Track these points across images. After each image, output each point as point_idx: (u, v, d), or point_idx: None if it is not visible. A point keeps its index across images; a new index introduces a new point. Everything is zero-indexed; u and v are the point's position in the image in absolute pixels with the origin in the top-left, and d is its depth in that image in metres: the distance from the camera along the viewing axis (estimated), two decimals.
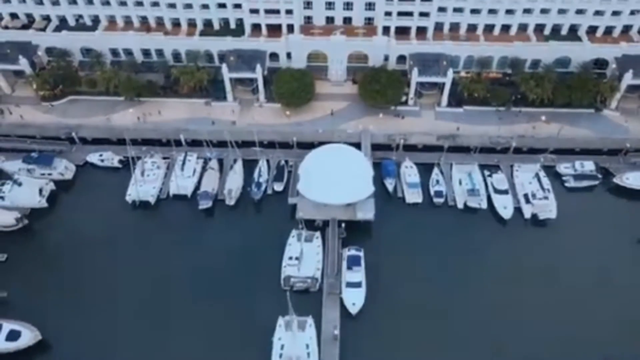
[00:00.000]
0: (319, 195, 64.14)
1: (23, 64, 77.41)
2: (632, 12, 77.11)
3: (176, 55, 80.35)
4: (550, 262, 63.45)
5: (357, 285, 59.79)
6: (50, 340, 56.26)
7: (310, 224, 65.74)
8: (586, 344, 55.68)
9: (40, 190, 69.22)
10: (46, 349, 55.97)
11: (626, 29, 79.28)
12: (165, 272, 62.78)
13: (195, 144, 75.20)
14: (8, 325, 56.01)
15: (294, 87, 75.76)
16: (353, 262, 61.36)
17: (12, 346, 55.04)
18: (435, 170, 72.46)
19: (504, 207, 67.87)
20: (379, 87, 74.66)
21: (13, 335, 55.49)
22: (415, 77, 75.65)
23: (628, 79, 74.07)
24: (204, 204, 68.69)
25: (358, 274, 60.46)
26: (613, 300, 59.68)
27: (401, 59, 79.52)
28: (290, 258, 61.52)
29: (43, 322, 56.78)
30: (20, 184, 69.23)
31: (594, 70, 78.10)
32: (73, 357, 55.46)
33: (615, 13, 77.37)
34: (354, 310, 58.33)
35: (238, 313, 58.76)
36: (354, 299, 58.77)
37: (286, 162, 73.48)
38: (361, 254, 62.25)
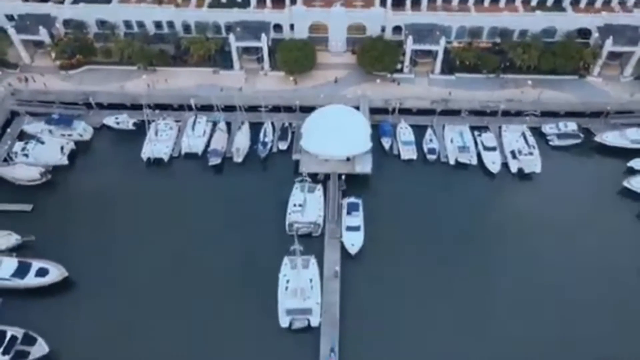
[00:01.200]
0: (321, 149, 69.62)
1: (43, 35, 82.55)
2: None
3: (186, 27, 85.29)
4: (535, 211, 68.83)
5: (356, 229, 65.13)
6: (75, 277, 61.39)
7: (312, 178, 71.04)
8: (569, 286, 60.92)
9: (62, 149, 74.42)
10: (71, 285, 61.21)
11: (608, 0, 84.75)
12: (179, 220, 67.90)
13: (204, 108, 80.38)
14: (37, 264, 61.21)
15: (296, 55, 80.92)
16: (352, 208, 66.79)
17: (41, 282, 60.26)
18: (429, 130, 77.73)
19: (492, 162, 73.25)
20: (376, 54, 79.95)
21: (41, 272, 60.73)
22: (410, 45, 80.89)
23: (608, 45, 79.31)
24: (214, 161, 74.04)
25: (357, 219, 65.84)
26: (594, 243, 64.98)
27: (397, 30, 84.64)
28: (295, 205, 66.88)
29: (68, 262, 61.70)
30: (43, 143, 74.50)
31: (578, 40, 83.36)
32: (95, 292, 60.60)
33: None
34: (353, 250, 63.74)
35: (247, 255, 63.92)
36: (353, 241, 64.13)
37: (290, 124, 78.62)
38: (360, 201, 67.66)
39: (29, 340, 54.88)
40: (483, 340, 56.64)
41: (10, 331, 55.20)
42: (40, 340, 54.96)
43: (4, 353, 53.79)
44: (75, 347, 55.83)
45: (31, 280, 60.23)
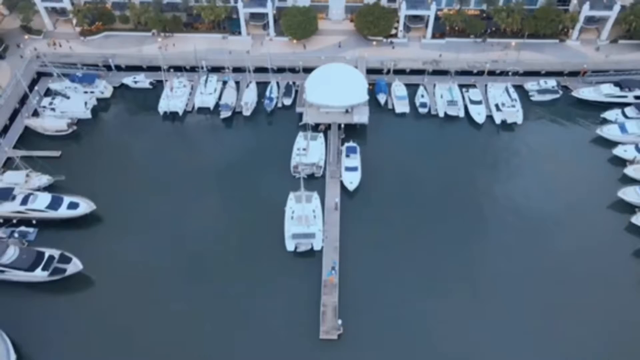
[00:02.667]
0: (323, 101, 76.76)
1: (65, 2, 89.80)
2: None
3: None
4: (516, 156, 76.41)
5: (354, 169, 72.38)
6: (101, 210, 68.30)
7: (314, 129, 78.24)
8: (548, 221, 67.95)
9: (85, 103, 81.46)
10: (99, 217, 68.23)
11: None
12: (193, 164, 75.04)
13: (215, 70, 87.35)
14: (68, 199, 68.15)
15: (299, 20, 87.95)
16: (350, 151, 74.04)
17: (72, 213, 67.28)
18: (420, 88, 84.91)
19: (478, 113, 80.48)
20: (372, 19, 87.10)
21: (72, 205, 67.72)
22: (403, 11, 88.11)
23: (586, 10, 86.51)
24: (225, 114, 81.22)
25: (355, 160, 73.13)
26: (570, 184, 72.12)
27: None
28: (299, 149, 74.02)
29: (94, 198, 68.47)
30: (68, 98, 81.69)
31: (559, 7, 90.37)
32: (119, 222, 67.70)
33: None
34: (351, 187, 71.00)
35: (256, 193, 70.88)
36: (351, 179, 71.42)
37: (294, 83, 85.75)
38: (357, 146, 74.87)
39: (65, 259, 61.95)
40: (466, 260, 63.89)
41: (49, 252, 62.25)
42: (74, 259, 62.03)
43: (43, 269, 60.82)
44: (104, 266, 62.99)
45: (63, 212, 67.31)
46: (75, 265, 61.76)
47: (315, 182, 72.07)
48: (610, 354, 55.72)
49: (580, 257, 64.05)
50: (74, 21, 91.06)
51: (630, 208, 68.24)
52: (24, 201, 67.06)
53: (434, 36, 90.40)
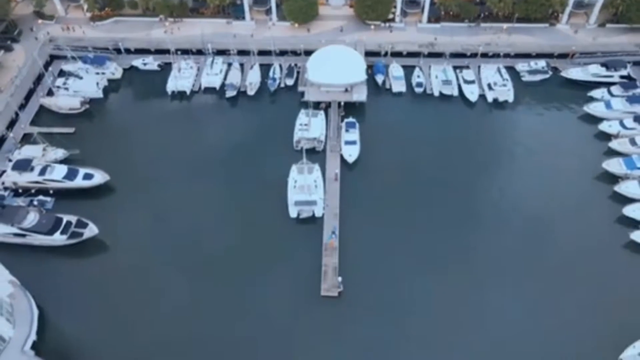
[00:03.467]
0: (324, 79, 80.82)
1: None
2: None
3: None
4: (507, 132, 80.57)
5: (353, 143, 76.56)
6: (114, 181, 72.40)
7: (315, 107, 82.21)
8: (536, 191, 72.14)
9: (97, 83, 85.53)
10: (112, 187, 72.32)
11: None
12: (200, 141, 79.12)
13: (220, 53, 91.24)
14: (83, 170, 72.07)
15: (301, 5, 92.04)
16: (350, 126, 78.27)
17: (87, 183, 71.34)
18: (417, 69, 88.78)
19: (471, 92, 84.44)
20: (371, 3, 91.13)
21: (87, 176, 71.68)
22: None
23: None
24: (230, 93, 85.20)
25: (354, 135, 77.31)
26: (559, 157, 76.26)
27: None
28: (301, 125, 78.14)
29: (108, 169, 72.76)
30: (81, 78, 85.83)
31: None
32: (132, 192, 71.74)
33: None
34: (350, 159, 75.14)
35: (261, 166, 74.68)
36: (351, 152, 75.55)
37: (295, 64, 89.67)
38: (356, 122, 79.04)
39: (81, 225, 65.98)
40: (459, 226, 68.05)
41: (66, 217, 66.34)
42: (90, 224, 66.06)
43: (62, 233, 64.88)
44: (118, 231, 67.14)
45: (79, 182, 71.35)
46: (91, 230, 65.85)
47: (316, 156, 75.88)
48: (595, 310, 59.69)
49: (568, 224, 68.11)
50: (85, 7, 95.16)
51: (614, 178, 72.54)
52: (42, 172, 71.22)
53: (429, 21, 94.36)
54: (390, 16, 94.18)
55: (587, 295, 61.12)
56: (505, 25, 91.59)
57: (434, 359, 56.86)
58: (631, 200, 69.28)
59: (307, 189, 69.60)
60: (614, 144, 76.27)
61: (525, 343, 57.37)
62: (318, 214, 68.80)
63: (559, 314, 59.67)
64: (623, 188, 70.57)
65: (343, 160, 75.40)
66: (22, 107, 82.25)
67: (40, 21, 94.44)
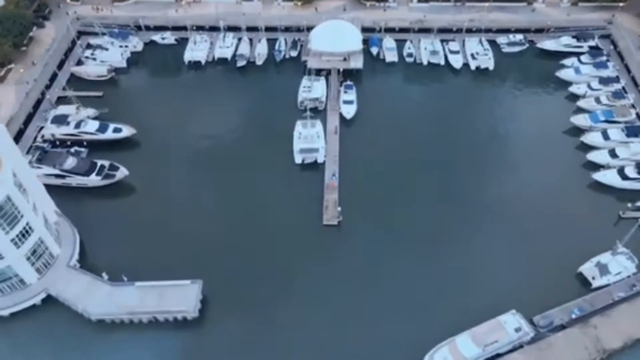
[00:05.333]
0: (325, 47, 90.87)
1: None
2: None
3: None
4: (487, 94, 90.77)
5: (350, 102, 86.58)
6: (141, 135, 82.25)
7: (317, 74, 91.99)
8: (514, 142, 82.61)
9: (121, 54, 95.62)
10: (138, 139, 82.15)
11: None
12: (214, 104, 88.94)
13: (231, 29, 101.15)
14: (113, 125, 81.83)
15: None
16: (348, 88, 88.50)
17: (117, 136, 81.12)
18: (408, 42, 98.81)
19: (456, 61, 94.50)
20: None
21: (117, 130, 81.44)
22: None
23: None
24: (240, 63, 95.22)
25: (351, 95, 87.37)
26: (533, 115, 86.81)
27: None
28: (304, 87, 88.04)
29: (134, 125, 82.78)
30: (107, 49, 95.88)
31: None
32: (156, 143, 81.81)
33: None
34: (348, 116, 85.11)
35: (269, 123, 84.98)
36: (348, 110, 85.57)
37: (299, 39, 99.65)
38: (353, 84, 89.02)
39: (114, 168, 75.66)
40: (442, 168, 78.11)
41: (100, 162, 76.01)
42: (121, 167, 75.76)
43: (97, 174, 74.52)
44: (145, 175, 76.94)
45: (109, 134, 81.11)
46: (122, 172, 75.53)
47: (318, 114, 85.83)
48: (560, 234, 69.62)
49: (541, 168, 78.28)
50: None
51: (581, 131, 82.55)
52: (77, 125, 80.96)
53: (419, 0, 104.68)
54: None
55: (556, 222, 71.08)
56: (487, 4, 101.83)
57: (418, 266, 66.67)
58: (594, 148, 79.51)
59: (310, 139, 79.44)
60: (581, 103, 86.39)
61: (504, 260, 67.62)
62: (320, 160, 78.61)
63: (532, 237, 69.74)
64: (588, 138, 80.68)
65: (342, 117, 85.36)
66: (54, 75, 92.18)
67: (68, 1, 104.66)
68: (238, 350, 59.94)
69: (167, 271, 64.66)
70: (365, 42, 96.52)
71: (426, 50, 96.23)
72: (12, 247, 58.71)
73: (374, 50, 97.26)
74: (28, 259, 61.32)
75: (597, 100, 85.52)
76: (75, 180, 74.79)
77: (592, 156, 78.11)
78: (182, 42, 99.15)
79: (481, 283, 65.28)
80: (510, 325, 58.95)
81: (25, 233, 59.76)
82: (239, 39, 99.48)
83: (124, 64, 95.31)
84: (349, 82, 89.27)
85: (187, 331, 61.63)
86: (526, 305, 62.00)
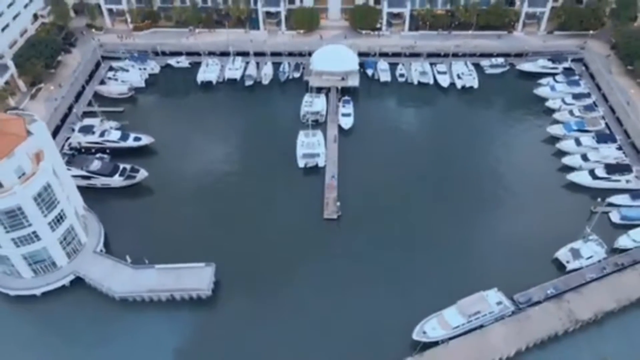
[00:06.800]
0: (325, 67, 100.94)
1: (124, 4, 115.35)
2: None
3: (224, 1, 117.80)
4: (472, 110, 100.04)
5: (348, 115, 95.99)
6: (159, 143, 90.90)
7: (318, 91, 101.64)
8: (497, 150, 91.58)
9: (140, 75, 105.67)
10: (156, 147, 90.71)
11: None
12: (224, 118, 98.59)
13: (239, 54, 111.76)
14: (133, 134, 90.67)
15: (306, 16, 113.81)
16: (346, 102, 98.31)
17: (137, 144, 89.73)
18: (400, 65, 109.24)
19: (444, 81, 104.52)
20: (362, 14, 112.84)
21: (137, 139, 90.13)
22: (385, 9, 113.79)
23: (525, 7, 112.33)
24: (248, 82, 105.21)
25: (349, 109, 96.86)
26: (512, 127, 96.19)
27: (377, 1, 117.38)
28: (306, 102, 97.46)
29: (152, 135, 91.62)
30: (127, 70, 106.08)
31: (509, 8, 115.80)
32: (173, 151, 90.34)
33: None
34: (346, 127, 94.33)
35: (275, 134, 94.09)
36: (346, 121, 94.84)
37: (301, 62, 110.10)
38: (351, 99, 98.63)
39: (134, 170, 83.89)
40: (431, 168, 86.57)
41: (122, 165, 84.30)
42: (142, 170, 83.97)
43: (120, 175, 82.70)
44: (163, 175, 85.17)
45: (130, 142, 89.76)
46: (142, 174, 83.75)
47: (318, 126, 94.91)
48: (538, 225, 77.31)
49: (522, 171, 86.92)
50: (129, 20, 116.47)
51: (556, 139, 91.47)
52: (102, 134, 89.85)
53: (410, 29, 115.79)
54: (378, 26, 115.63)
55: (535, 215, 78.82)
56: (471, 32, 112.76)
57: (409, 254, 73.73)
58: (568, 153, 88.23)
59: (312, 146, 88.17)
60: (556, 115, 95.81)
61: (489, 248, 75.32)
62: (321, 164, 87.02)
63: (514, 228, 77.40)
64: (563, 145, 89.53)
65: (340, 128, 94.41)
66: (80, 93, 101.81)
67: (93, 30, 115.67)
68: (246, 325, 66.27)
69: (184, 256, 71.88)
70: (361, 65, 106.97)
71: (416, 71, 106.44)
72: (48, 230, 66.16)
73: (370, 71, 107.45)
74: (61, 242, 68.70)
75: (571, 112, 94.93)
76: (100, 181, 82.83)
77: (567, 160, 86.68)
78: (195, 66, 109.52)
79: (468, 268, 72.19)
80: (492, 299, 65.73)
81: (59, 218, 67.39)
82: (247, 62, 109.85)
83: (142, 84, 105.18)
84: (346, 98, 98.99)
85: (201, 309, 68.38)
86: (508, 285, 68.90)
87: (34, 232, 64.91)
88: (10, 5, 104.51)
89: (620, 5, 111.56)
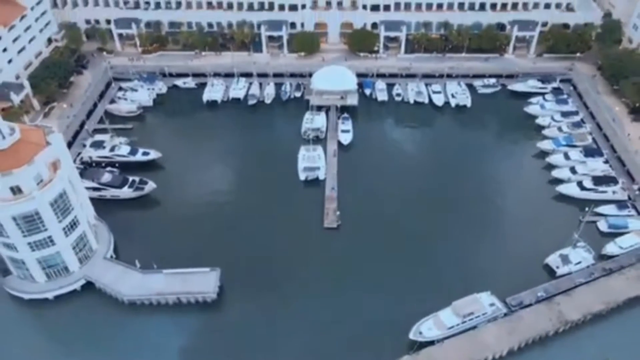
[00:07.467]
0: (325, 86, 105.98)
1: (134, 29, 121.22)
2: None
3: (229, 25, 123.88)
4: (465, 127, 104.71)
5: (347, 131, 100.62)
6: (166, 158, 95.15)
7: (318, 109, 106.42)
8: (489, 163, 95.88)
9: (149, 95, 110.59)
10: (164, 162, 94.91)
11: (514, 4, 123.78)
12: (229, 135, 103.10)
13: (243, 75, 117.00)
14: (142, 149, 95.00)
15: (307, 40, 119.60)
16: (345, 119, 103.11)
17: (145, 158, 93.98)
18: (396, 85, 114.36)
19: (438, 100, 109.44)
20: (360, 38, 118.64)
21: (145, 153, 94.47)
22: (382, 33, 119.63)
23: (515, 31, 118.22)
24: (251, 102, 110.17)
25: (348, 126, 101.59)
26: (505, 142, 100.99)
27: (374, 25, 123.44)
28: (307, 119, 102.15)
29: (161, 150, 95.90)
30: (136, 90, 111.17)
31: (498, 32, 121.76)
32: (180, 165, 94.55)
33: None
34: (345, 142, 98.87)
35: (278, 149, 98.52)
36: (345, 137, 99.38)
37: (302, 83, 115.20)
38: (349, 117, 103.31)
39: (143, 182, 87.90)
40: (426, 180, 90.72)
41: (131, 177, 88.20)
42: (150, 182, 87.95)
43: (129, 187, 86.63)
44: (170, 187, 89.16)
45: (139, 157, 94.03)
46: (150, 186, 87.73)
47: (319, 142, 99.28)
48: (530, 232, 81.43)
49: (515, 183, 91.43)
50: (138, 43, 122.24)
51: (546, 154, 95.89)
52: (112, 149, 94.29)
53: (406, 52, 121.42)
54: (376, 49, 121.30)
55: (527, 224, 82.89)
56: (464, 55, 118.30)
57: (407, 260, 77.01)
58: (557, 167, 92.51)
59: (312, 159, 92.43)
60: (546, 132, 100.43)
61: (483, 255, 78.76)
62: (321, 177, 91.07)
63: (507, 236, 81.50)
64: (552, 159, 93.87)
65: (339, 143, 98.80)
66: (91, 112, 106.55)
67: (104, 53, 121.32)
68: (250, 326, 69.29)
69: (190, 262, 75.11)
70: (359, 85, 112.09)
71: (412, 91, 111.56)
72: (62, 235, 69.74)
73: (368, 91, 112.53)
74: (73, 248, 72.19)
75: (559, 129, 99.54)
76: (109, 193, 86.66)
77: (556, 173, 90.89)
78: (201, 86, 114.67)
79: (462, 273, 75.52)
80: (485, 300, 68.86)
81: (73, 225, 71.05)
82: (250, 83, 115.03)
83: (150, 103, 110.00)
84: (346, 115, 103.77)
85: (207, 311, 71.38)
86: (500, 289, 72.08)
87: (49, 237, 68.55)
88: (26, 29, 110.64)
89: (605, 29, 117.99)
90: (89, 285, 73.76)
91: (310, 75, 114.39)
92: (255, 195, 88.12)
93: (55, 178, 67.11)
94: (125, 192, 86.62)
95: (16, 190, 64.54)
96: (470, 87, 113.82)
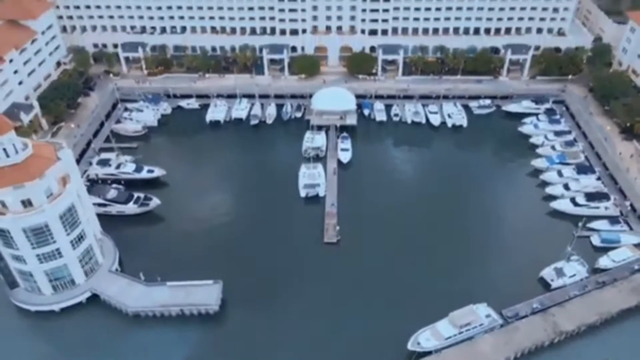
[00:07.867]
0: (325, 107, 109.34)
1: (140, 52, 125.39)
2: (510, 18, 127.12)
3: (232, 49, 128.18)
4: (461, 146, 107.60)
5: (346, 150, 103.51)
6: (170, 175, 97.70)
7: (318, 129, 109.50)
8: (485, 180, 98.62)
9: (154, 115, 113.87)
10: (168, 179, 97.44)
11: (508, 29, 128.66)
12: (232, 154, 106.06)
13: (245, 96, 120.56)
14: (146, 167, 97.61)
15: (307, 63, 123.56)
16: (344, 138, 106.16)
17: (150, 175, 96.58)
18: (394, 106, 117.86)
19: (435, 120, 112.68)
20: (359, 61, 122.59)
21: (150, 171, 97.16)
22: (380, 56, 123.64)
23: (509, 54, 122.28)
24: (254, 122, 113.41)
25: (347, 144, 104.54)
26: (499, 161, 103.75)
27: (372, 49, 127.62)
28: (307, 138, 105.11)
29: (165, 168, 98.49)
30: (141, 111, 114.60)
31: (492, 55, 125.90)
32: (183, 182, 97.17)
33: (499, 19, 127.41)
34: (345, 160, 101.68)
35: (279, 167, 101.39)
36: (345, 156, 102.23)
37: (302, 104, 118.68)
38: (349, 136, 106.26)
39: (148, 198, 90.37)
40: (423, 196, 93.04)
41: (137, 194, 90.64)
42: (154, 198, 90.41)
43: (134, 203, 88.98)
44: (174, 204, 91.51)
45: (144, 174, 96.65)
46: (155, 202, 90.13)
47: (319, 160, 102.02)
48: (525, 246, 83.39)
49: (510, 200, 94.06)
50: (144, 66, 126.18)
51: (540, 171, 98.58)
52: (117, 167, 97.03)
53: (404, 74, 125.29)
54: (374, 71, 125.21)
55: (522, 239, 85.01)
56: (460, 77, 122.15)
57: (407, 274, 78.67)
58: (551, 184, 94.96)
59: (313, 177, 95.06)
60: (540, 150, 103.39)
61: (479, 269, 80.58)
62: (321, 194, 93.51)
63: (503, 251, 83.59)
64: (546, 176, 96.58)
65: (339, 162, 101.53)
66: (97, 131, 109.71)
67: (111, 75, 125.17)
68: (251, 338, 70.69)
69: (193, 275, 76.87)
70: (358, 106, 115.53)
71: (410, 111, 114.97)
72: (70, 248, 71.76)
73: (366, 111, 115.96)
74: (80, 260, 74.10)
75: (553, 147, 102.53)
76: (115, 209, 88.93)
77: (550, 190, 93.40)
78: (205, 107, 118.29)
79: (459, 287, 77.05)
80: (481, 311, 70.48)
81: (80, 238, 73.16)
82: (252, 104, 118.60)
83: (155, 123, 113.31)
84: (345, 134, 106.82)
85: (209, 323, 72.82)
86: (497, 302, 73.75)
87: (57, 249, 70.62)
88: (37, 52, 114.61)
89: (595, 53, 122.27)
90: (94, 298, 75.42)
91: (311, 96, 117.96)
92: (257, 211, 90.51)
93: (65, 192, 69.55)
94: (131, 208, 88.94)
95: (27, 203, 66.94)
96: (466, 107, 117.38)
